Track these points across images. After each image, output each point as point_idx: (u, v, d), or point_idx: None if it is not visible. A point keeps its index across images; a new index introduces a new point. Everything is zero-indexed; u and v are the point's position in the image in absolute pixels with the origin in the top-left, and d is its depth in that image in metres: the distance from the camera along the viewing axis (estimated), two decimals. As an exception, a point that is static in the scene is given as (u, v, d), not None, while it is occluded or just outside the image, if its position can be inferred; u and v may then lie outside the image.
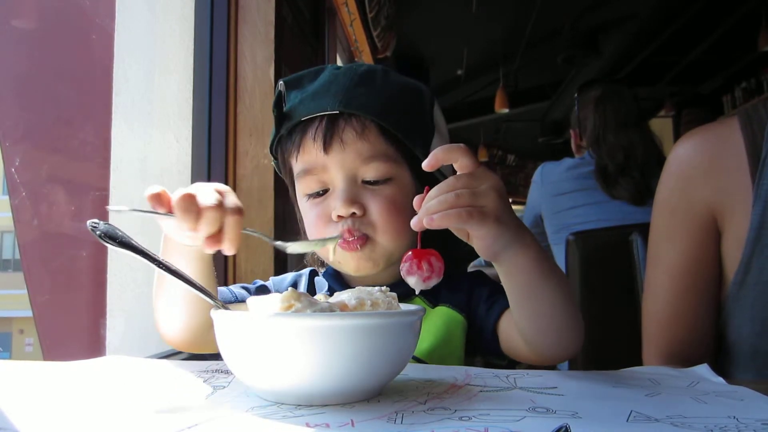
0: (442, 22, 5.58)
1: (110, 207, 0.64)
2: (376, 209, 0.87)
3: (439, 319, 0.92)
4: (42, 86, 1.15)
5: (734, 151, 0.88)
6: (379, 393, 0.58)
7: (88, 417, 0.49)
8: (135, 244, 0.58)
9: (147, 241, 0.61)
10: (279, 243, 0.76)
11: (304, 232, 0.99)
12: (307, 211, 0.92)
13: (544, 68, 6.96)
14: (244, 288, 0.99)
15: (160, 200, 0.67)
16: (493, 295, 0.92)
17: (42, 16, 1.17)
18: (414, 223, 0.69)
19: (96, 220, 0.58)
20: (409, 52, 5.91)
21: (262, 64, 1.77)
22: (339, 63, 3.35)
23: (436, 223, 0.66)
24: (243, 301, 0.91)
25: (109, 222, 0.59)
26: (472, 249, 0.92)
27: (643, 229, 1.17)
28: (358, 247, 0.87)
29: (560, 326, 0.78)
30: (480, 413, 0.50)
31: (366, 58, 3.85)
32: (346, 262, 0.90)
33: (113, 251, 1.19)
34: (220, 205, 0.69)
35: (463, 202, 0.67)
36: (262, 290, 1.00)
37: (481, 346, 0.92)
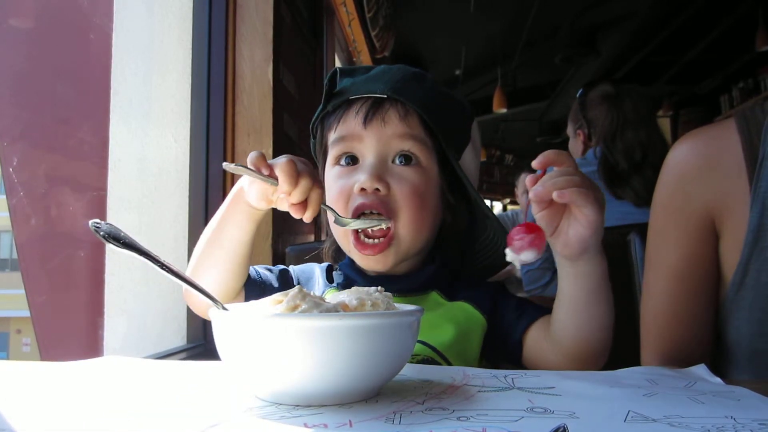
0: (441, 21, 5.58)
1: (225, 165, 0.76)
2: (399, 191, 0.89)
3: (461, 314, 0.93)
4: (40, 85, 1.14)
5: (732, 153, 0.89)
6: (378, 393, 0.58)
7: (86, 418, 0.49)
8: (137, 244, 0.58)
9: (145, 241, 0.61)
10: (342, 219, 0.87)
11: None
12: (332, 182, 0.94)
13: (542, 68, 6.97)
14: (268, 270, 1.02)
15: (263, 163, 0.77)
16: (522, 306, 0.95)
17: (40, 15, 1.17)
18: (538, 192, 0.74)
19: (98, 221, 0.58)
20: (408, 52, 5.90)
21: (260, 63, 1.77)
22: (337, 63, 3.34)
23: (567, 197, 0.72)
24: (266, 282, 0.98)
25: (109, 222, 0.59)
26: (491, 263, 0.95)
27: (641, 229, 1.17)
28: (374, 252, 0.89)
29: (602, 339, 0.83)
30: (478, 413, 0.50)
31: (364, 57, 3.85)
32: (355, 256, 0.93)
33: (111, 251, 1.19)
34: (311, 179, 0.79)
35: (586, 186, 0.73)
36: (284, 274, 1.03)
37: (502, 353, 0.94)
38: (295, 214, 0.80)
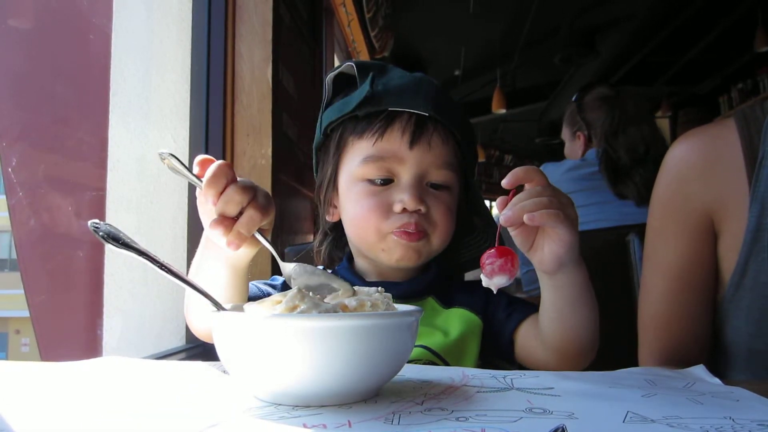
0: (440, 22, 5.58)
1: (160, 150, 0.69)
2: (437, 211, 0.92)
3: (458, 320, 0.95)
4: (39, 86, 1.14)
5: (731, 152, 0.89)
6: (377, 394, 0.58)
7: (85, 418, 0.49)
8: (136, 245, 0.58)
9: (144, 241, 0.61)
10: (284, 264, 0.76)
11: (326, 214, 1.02)
12: (362, 197, 0.92)
13: (541, 68, 6.97)
14: (270, 285, 1.01)
15: (203, 165, 0.69)
16: (512, 305, 0.97)
17: (39, 15, 1.17)
18: (508, 217, 0.74)
19: (97, 221, 0.58)
20: (407, 53, 5.91)
21: (259, 63, 1.77)
22: (336, 63, 3.34)
23: (537, 220, 0.72)
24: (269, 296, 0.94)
25: (108, 222, 0.59)
26: (473, 256, 0.98)
27: (641, 229, 1.17)
28: (417, 239, 0.91)
29: (588, 339, 0.85)
30: (477, 414, 0.50)
31: (363, 58, 3.85)
32: (392, 250, 0.91)
33: (110, 251, 1.19)
34: (247, 192, 0.69)
35: (555, 206, 0.73)
36: (287, 286, 1.00)
37: (495, 351, 0.96)
38: (212, 231, 0.69)
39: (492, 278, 0.73)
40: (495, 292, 0.76)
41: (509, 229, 0.79)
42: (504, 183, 0.75)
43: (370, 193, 0.92)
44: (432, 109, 0.91)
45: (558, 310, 0.84)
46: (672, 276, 0.95)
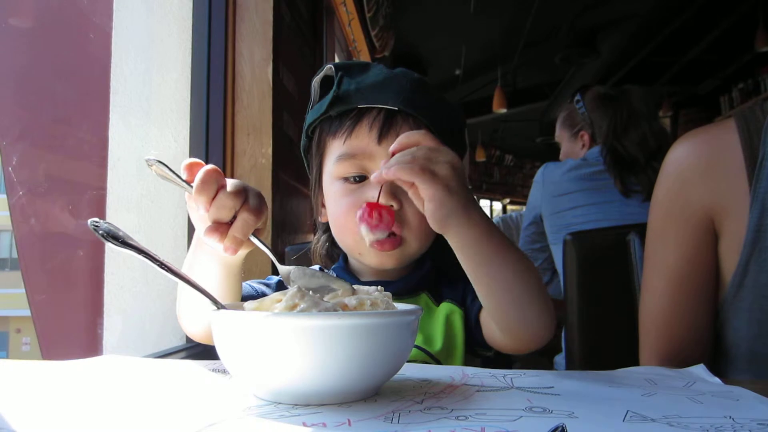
0: (441, 21, 5.58)
1: (146, 157, 0.67)
2: (411, 207, 0.89)
3: (446, 315, 0.94)
4: (40, 85, 1.15)
5: (731, 154, 0.89)
6: (376, 393, 0.58)
7: (85, 418, 0.49)
8: (136, 243, 0.58)
9: (144, 240, 0.61)
10: (281, 267, 0.75)
11: (318, 215, 1.01)
12: (339, 196, 0.93)
13: (542, 68, 6.97)
14: (264, 284, 1.00)
15: (191, 170, 0.68)
16: None
17: (40, 14, 1.17)
18: (373, 177, 0.76)
19: (97, 219, 0.58)
20: (407, 52, 5.92)
21: (260, 63, 1.77)
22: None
23: (391, 173, 0.71)
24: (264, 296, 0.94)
25: (108, 221, 0.59)
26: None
27: (641, 229, 1.17)
28: (390, 248, 0.89)
29: (521, 302, 0.79)
30: (477, 413, 0.50)
31: (364, 57, 3.85)
32: (369, 257, 0.92)
33: (110, 250, 1.19)
34: (239, 196, 0.69)
35: (417, 162, 0.71)
36: (281, 285, 1.01)
37: (471, 338, 0.94)
38: (208, 238, 0.69)
39: (360, 226, 0.80)
40: (368, 243, 0.82)
41: (409, 194, 0.77)
42: (390, 149, 0.75)
43: (345, 192, 0.92)
44: (401, 102, 0.90)
45: (470, 274, 0.79)
46: (673, 277, 0.95)
